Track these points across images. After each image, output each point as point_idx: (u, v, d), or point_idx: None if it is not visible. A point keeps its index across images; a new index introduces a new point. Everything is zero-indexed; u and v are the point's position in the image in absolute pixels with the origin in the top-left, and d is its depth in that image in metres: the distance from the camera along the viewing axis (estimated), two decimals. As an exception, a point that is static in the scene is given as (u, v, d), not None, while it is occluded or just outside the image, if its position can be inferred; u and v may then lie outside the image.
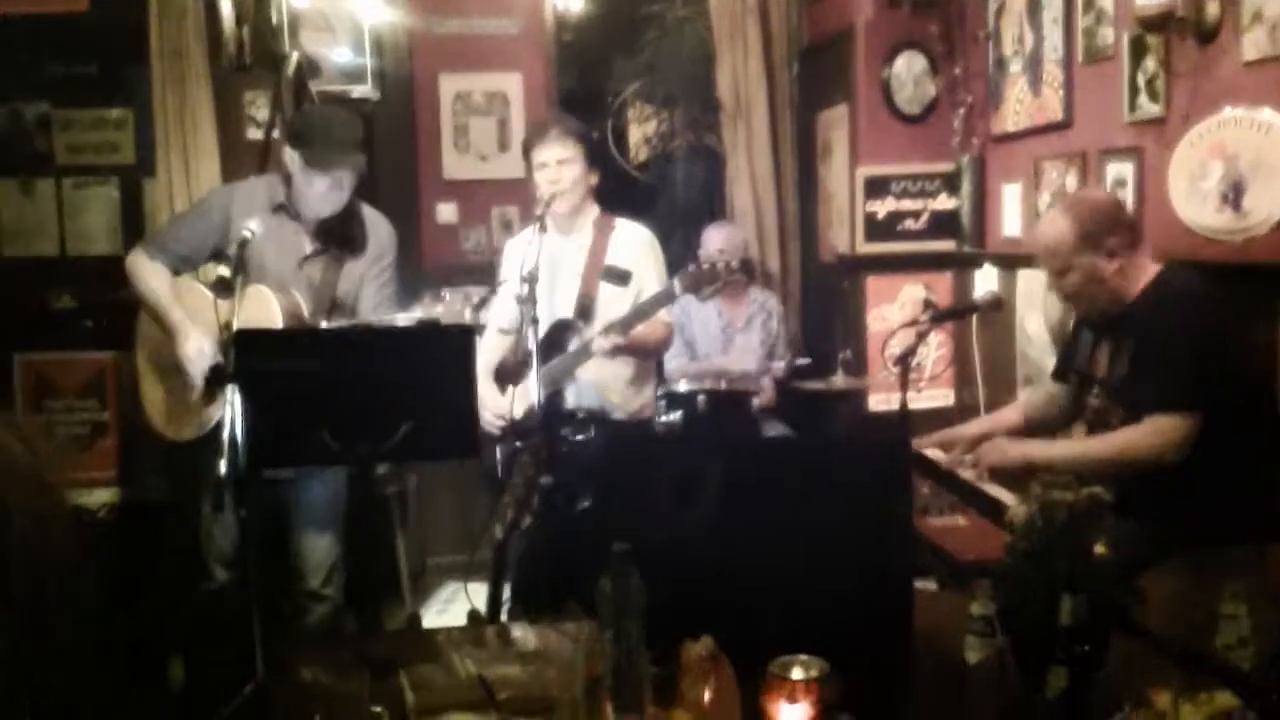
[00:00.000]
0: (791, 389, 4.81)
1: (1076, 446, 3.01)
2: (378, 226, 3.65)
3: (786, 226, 5.48)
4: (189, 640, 3.83)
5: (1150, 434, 2.78)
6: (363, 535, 3.42)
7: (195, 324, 3.35)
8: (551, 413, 3.44)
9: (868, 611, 1.85)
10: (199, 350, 3.32)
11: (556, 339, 3.66)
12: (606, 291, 3.71)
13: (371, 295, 3.56)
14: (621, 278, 3.73)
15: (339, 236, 3.53)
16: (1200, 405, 2.74)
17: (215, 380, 3.27)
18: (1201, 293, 2.96)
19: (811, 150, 5.52)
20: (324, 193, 3.41)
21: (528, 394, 3.32)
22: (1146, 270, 3.00)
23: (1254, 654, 1.82)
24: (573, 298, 3.68)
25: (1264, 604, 1.88)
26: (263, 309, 3.31)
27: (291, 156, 3.43)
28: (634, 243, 3.80)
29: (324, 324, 3.41)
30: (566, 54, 5.96)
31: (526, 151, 3.76)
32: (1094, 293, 3.00)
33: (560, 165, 3.65)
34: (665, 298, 3.63)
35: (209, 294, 3.28)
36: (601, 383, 3.68)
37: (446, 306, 3.31)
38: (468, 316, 3.30)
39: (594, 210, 3.80)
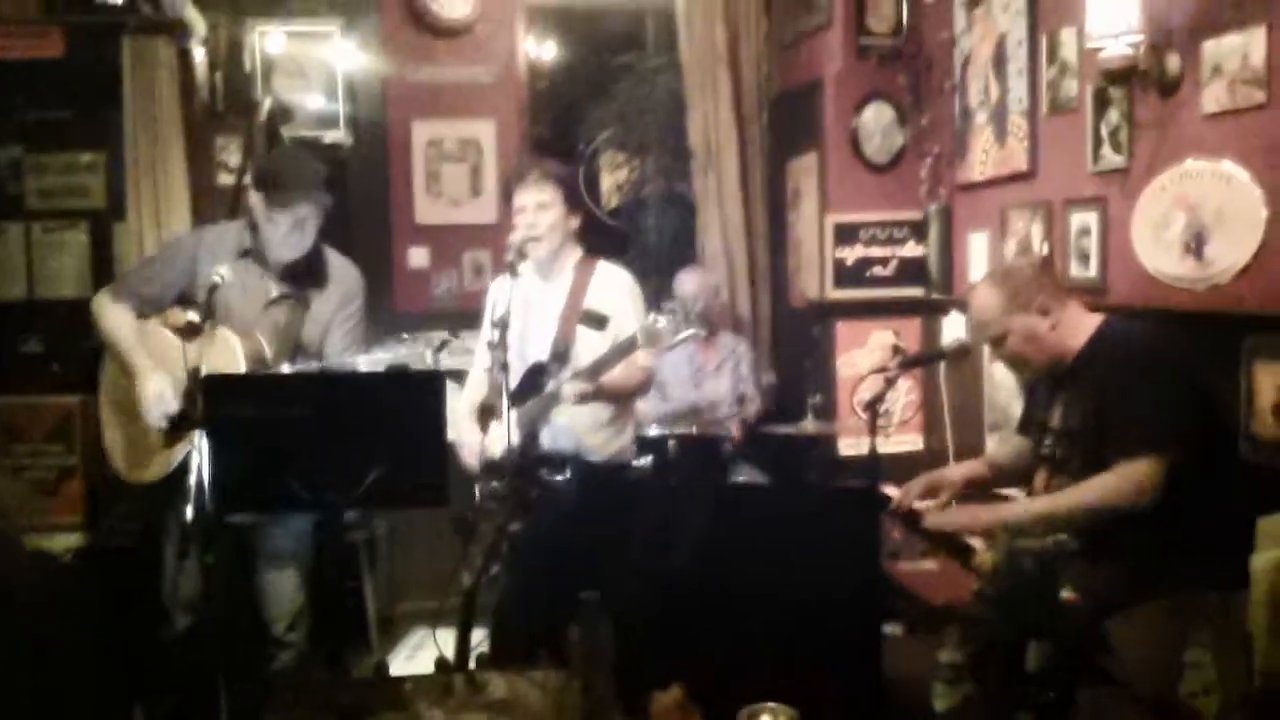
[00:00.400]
0: (762, 433, 4.82)
1: (1047, 503, 2.93)
2: (345, 271, 3.67)
3: (757, 272, 5.52)
4: (150, 688, 3.78)
5: (1121, 480, 2.77)
6: (331, 582, 3.40)
7: (158, 368, 3.35)
8: (526, 456, 3.42)
9: (837, 658, 1.85)
10: (159, 394, 3.31)
11: (533, 382, 3.65)
12: (584, 335, 3.70)
13: (339, 340, 3.56)
14: (599, 322, 3.71)
15: (304, 281, 3.55)
16: (1166, 446, 2.75)
17: (181, 425, 3.27)
18: (1150, 338, 3.00)
19: (782, 197, 5.57)
20: (286, 234, 3.43)
21: (502, 437, 3.30)
22: (1084, 324, 3.03)
23: (1219, 701, 1.83)
24: (549, 341, 3.68)
25: (1228, 652, 1.90)
26: (225, 353, 3.32)
27: (256, 199, 3.46)
28: (614, 287, 3.78)
29: (287, 368, 3.42)
30: (540, 102, 6.01)
31: (507, 194, 3.74)
32: (1033, 353, 3.03)
33: (538, 210, 3.63)
34: (628, 347, 3.65)
35: (174, 337, 3.35)
36: (577, 425, 3.67)
37: (409, 349, 3.32)
38: (429, 359, 3.31)
39: (575, 253, 3.78)
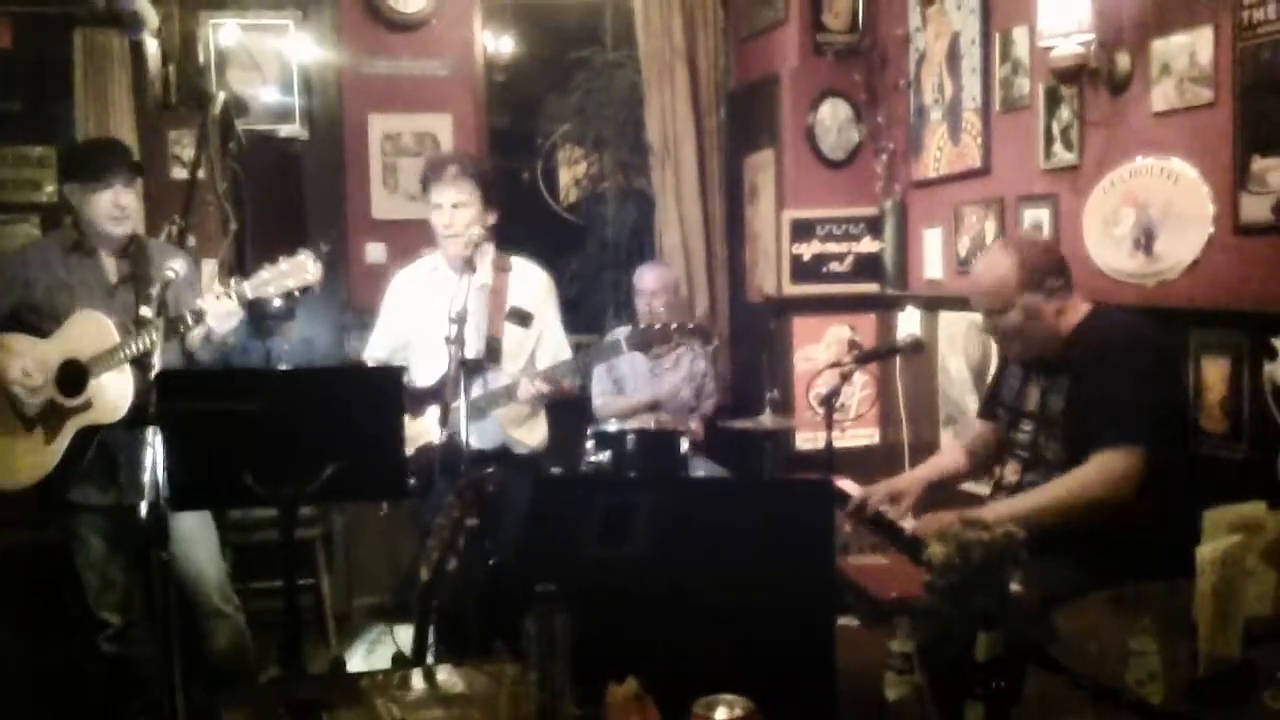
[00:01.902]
0: (720, 428, 4.85)
1: (1026, 503, 2.85)
2: (171, 250, 3.74)
3: (714, 267, 5.54)
4: (97, 691, 3.76)
5: (1101, 471, 2.77)
6: (286, 578, 3.37)
7: (15, 357, 3.39)
8: (452, 451, 3.42)
9: (792, 650, 1.87)
10: (21, 371, 3.35)
11: (467, 378, 3.66)
12: (511, 333, 3.73)
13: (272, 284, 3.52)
14: (524, 319, 3.75)
15: (138, 263, 3.57)
16: (1147, 438, 2.76)
17: (138, 421, 3.24)
18: (1137, 329, 3.00)
19: (739, 192, 5.60)
20: (109, 211, 3.47)
21: (448, 432, 3.29)
22: (1079, 310, 3.02)
23: (1164, 688, 1.86)
24: (479, 338, 3.67)
25: (1173, 639, 1.93)
26: (93, 325, 3.39)
27: (71, 190, 3.53)
28: (534, 284, 3.83)
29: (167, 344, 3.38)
30: (497, 96, 5.99)
31: (425, 187, 3.72)
32: (1031, 332, 2.98)
33: (455, 209, 3.62)
34: (611, 350, 3.67)
35: (32, 338, 3.44)
36: (505, 420, 3.69)
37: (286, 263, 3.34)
38: (311, 269, 3.31)
39: (490, 250, 3.79)
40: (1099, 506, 2.75)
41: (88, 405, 3.39)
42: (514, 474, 3.49)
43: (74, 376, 3.37)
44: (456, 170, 3.64)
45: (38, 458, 3.42)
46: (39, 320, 3.46)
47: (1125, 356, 2.88)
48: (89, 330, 3.39)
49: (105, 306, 3.47)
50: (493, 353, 3.68)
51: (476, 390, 3.61)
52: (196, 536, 3.58)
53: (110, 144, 3.83)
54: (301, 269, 3.31)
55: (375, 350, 3.89)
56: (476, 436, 3.58)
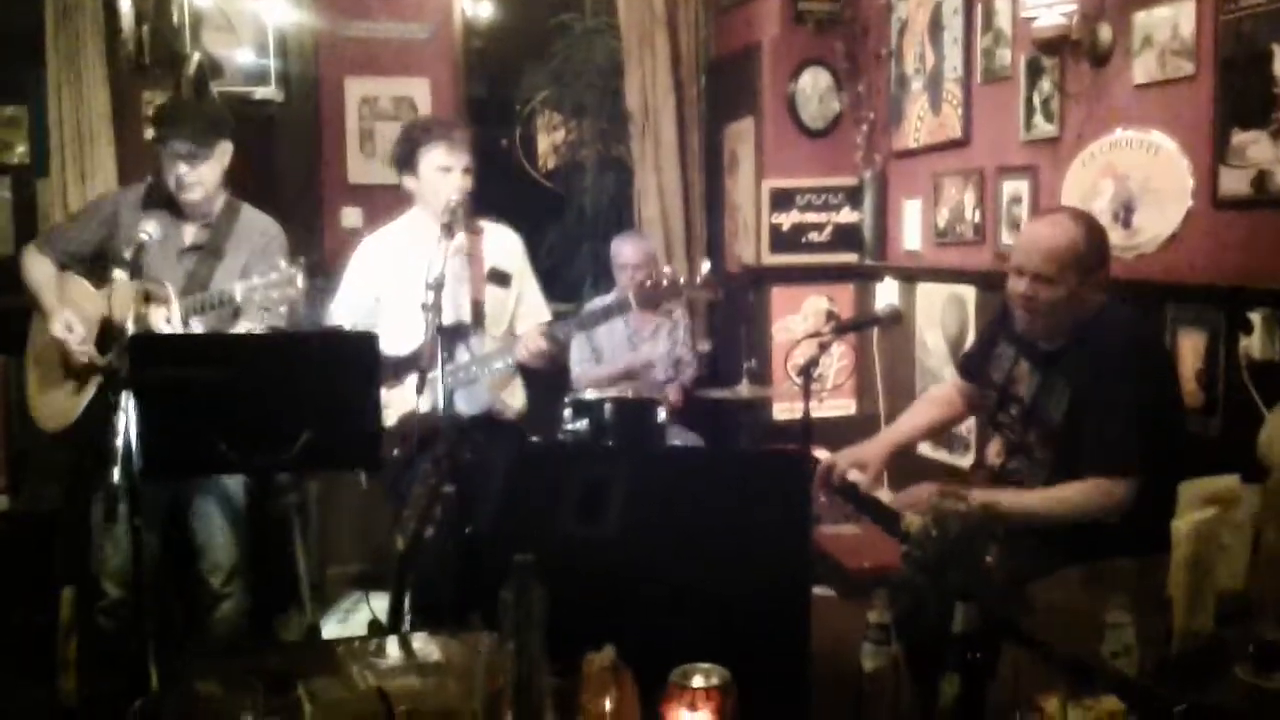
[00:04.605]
0: (698, 398, 4.85)
1: (1012, 504, 2.72)
2: (264, 224, 3.67)
3: (694, 237, 5.52)
4: (81, 654, 3.73)
5: (1094, 495, 2.70)
6: (261, 545, 3.37)
7: (65, 306, 3.43)
8: (448, 417, 3.41)
9: (768, 620, 1.87)
10: (65, 325, 3.39)
11: (447, 344, 3.64)
12: (492, 294, 3.71)
13: (257, 295, 3.49)
14: (503, 279, 3.74)
15: (218, 230, 3.56)
16: (1143, 468, 2.68)
17: (109, 387, 3.22)
18: (1146, 339, 2.92)
19: (719, 162, 5.57)
20: (183, 175, 3.45)
21: (427, 399, 3.27)
22: (1096, 300, 2.87)
23: (1138, 661, 1.87)
24: (464, 302, 3.65)
25: (1147, 613, 1.94)
26: (128, 302, 3.32)
27: (156, 145, 3.53)
28: (507, 245, 3.81)
29: (196, 319, 3.39)
30: (475, 61, 5.92)
31: (414, 149, 3.63)
32: (1064, 315, 2.83)
33: (465, 174, 3.59)
34: (619, 308, 3.65)
35: (89, 286, 3.48)
36: (495, 384, 3.68)
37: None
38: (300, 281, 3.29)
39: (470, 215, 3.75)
40: (1084, 520, 2.70)
41: (110, 367, 3.38)
42: (500, 439, 3.47)
43: (112, 335, 3.38)
44: (462, 133, 3.61)
45: (66, 404, 3.49)
46: (110, 266, 3.43)
47: (1128, 374, 2.76)
48: (126, 294, 3.34)
49: (171, 270, 3.45)
50: (477, 317, 3.66)
51: (465, 355, 3.60)
52: (214, 512, 3.53)
53: (181, 110, 3.79)
54: (289, 283, 3.30)
55: (337, 319, 3.81)
56: (465, 402, 3.58)
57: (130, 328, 3.22)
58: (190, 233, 3.56)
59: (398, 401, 3.48)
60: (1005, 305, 3.06)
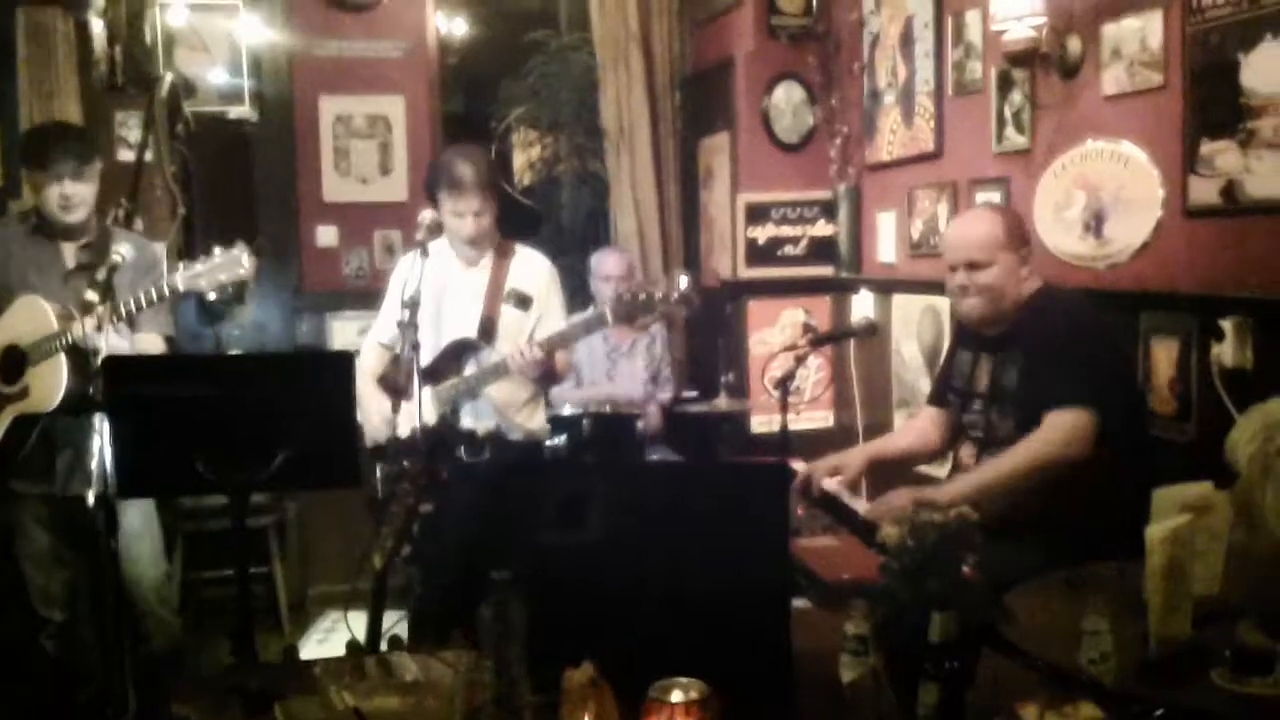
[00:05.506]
0: (676, 412, 4.85)
1: (979, 478, 2.87)
2: (139, 243, 3.69)
3: (670, 251, 5.53)
4: (41, 686, 3.71)
5: (1053, 430, 2.78)
6: (238, 566, 3.34)
7: None
8: (445, 433, 3.41)
9: (748, 633, 1.87)
10: None
11: (454, 358, 3.66)
12: (508, 314, 3.72)
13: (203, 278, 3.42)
14: (523, 301, 3.75)
15: (97, 252, 3.52)
16: (1098, 400, 2.78)
17: (83, 408, 3.19)
18: (1084, 308, 3.05)
19: (695, 176, 5.59)
20: (69, 195, 3.45)
21: (413, 416, 3.27)
22: (1034, 281, 3.06)
23: (1115, 668, 1.88)
24: (475, 319, 3.68)
25: (1125, 619, 1.95)
26: (33, 310, 3.33)
27: (25, 176, 3.60)
28: (536, 270, 3.83)
29: (105, 336, 3.32)
30: (451, 77, 5.94)
31: (432, 191, 3.67)
32: (1000, 293, 3.00)
33: (477, 217, 3.62)
34: (597, 323, 3.66)
35: None
36: (503, 402, 3.68)
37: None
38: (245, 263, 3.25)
39: (495, 238, 3.79)
40: (1054, 468, 2.76)
41: (24, 393, 3.33)
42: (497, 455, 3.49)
43: (14, 362, 3.32)
44: (474, 180, 3.60)
45: None
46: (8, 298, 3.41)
47: (1074, 330, 2.92)
48: (29, 316, 3.33)
49: (58, 292, 3.42)
50: (486, 333, 3.68)
51: (470, 369, 3.63)
52: (139, 532, 3.54)
53: (59, 131, 3.75)
54: (235, 263, 3.24)
55: (380, 335, 3.85)
56: (471, 417, 3.59)
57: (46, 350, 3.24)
58: (70, 254, 3.55)
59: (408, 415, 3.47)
60: (959, 323, 3.26)
